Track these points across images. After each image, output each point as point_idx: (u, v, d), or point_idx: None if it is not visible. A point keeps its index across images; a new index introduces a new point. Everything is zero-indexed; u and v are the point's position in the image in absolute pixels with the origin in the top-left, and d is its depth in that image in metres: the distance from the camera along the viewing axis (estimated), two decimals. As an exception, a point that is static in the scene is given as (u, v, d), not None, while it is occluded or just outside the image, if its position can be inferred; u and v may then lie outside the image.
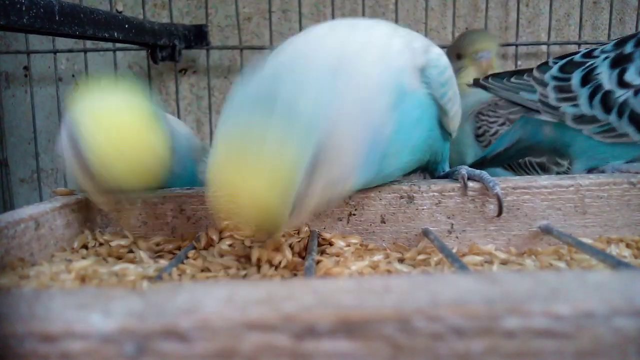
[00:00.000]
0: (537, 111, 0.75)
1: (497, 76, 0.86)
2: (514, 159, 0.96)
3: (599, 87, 0.68)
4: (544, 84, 0.75)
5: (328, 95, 0.42)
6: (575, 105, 0.70)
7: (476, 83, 0.89)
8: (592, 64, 0.70)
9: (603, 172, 0.67)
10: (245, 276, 0.49)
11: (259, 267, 0.51)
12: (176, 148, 0.67)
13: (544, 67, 0.78)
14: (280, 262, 0.50)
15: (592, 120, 0.69)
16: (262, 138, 0.38)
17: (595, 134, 0.69)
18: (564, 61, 0.75)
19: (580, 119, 0.70)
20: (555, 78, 0.74)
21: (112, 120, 0.48)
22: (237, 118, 0.40)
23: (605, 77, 0.68)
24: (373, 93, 0.47)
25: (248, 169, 0.38)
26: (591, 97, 0.68)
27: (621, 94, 0.66)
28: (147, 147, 0.49)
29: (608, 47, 0.71)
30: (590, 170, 0.71)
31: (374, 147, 0.47)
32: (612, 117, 0.67)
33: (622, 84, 0.66)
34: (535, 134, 0.81)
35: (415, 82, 0.53)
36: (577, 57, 0.74)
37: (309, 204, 0.42)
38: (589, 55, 0.73)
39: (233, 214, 0.40)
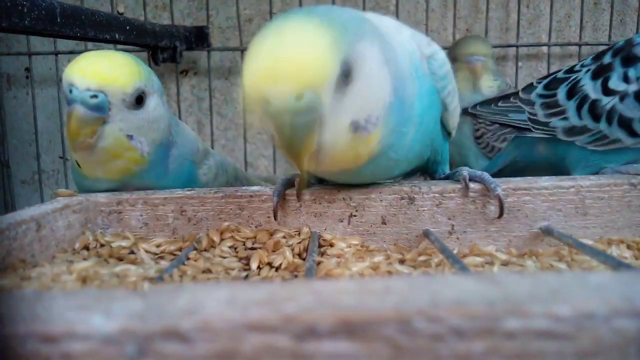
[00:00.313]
0: (529, 129, 0.78)
1: (485, 103, 0.89)
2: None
3: (585, 97, 0.70)
4: (531, 103, 0.78)
5: (366, 26, 0.45)
6: (565, 119, 0.72)
7: (465, 112, 0.90)
8: (575, 78, 0.73)
9: (603, 173, 0.67)
10: (246, 277, 0.49)
11: (259, 268, 0.51)
12: (177, 145, 0.68)
13: (528, 88, 0.81)
14: (281, 264, 0.50)
15: (583, 130, 0.70)
16: (305, 18, 0.41)
17: (587, 143, 0.70)
18: (547, 80, 0.78)
19: (571, 130, 0.71)
20: (541, 96, 0.77)
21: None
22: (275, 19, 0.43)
23: (590, 88, 0.70)
24: (399, 54, 0.49)
25: (295, 25, 0.40)
26: (578, 108, 0.70)
27: (608, 101, 0.67)
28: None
29: (587, 61, 0.74)
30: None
31: (401, 101, 0.48)
32: (602, 125, 0.68)
33: (607, 91, 0.68)
34: (529, 153, 0.83)
35: (425, 68, 0.55)
36: (560, 74, 0.76)
37: (354, 89, 0.42)
38: (571, 71, 0.75)
39: (275, 72, 0.39)
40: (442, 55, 0.57)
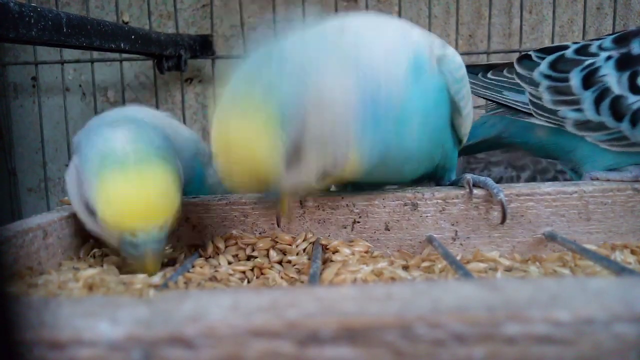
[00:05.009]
0: (527, 113, 0.68)
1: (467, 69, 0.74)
2: (485, 151, 0.88)
3: (606, 91, 0.61)
4: (533, 83, 0.68)
5: (319, 55, 0.46)
6: (578, 110, 0.63)
7: None
8: (592, 64, 0.63)
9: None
10: (250, 283, 0.49)
11: (263, 275, 0.51)
12: (184, 155, 0.68)
13: (526, 61, 0.71)
14: (284, 271, 0.50)
15: (600, 127, 0.62)
16: (251, 91, 0.43)
17: (601, 141, 0.63)
18: (553, 57, 0.68)
19: (584, 125, 0.63)
20: (547, 77, 0.67)
21: (129, 188, 0.46)
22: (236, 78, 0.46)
23: (614, 81, 0.61)
24: (378, 60, 0.49)
25: (239, 124, 0.43)
26: (597, 101, 0.62)
27: (635, 101, 0.60)
28: (164, 203, 0.47)
29: (607, 43, 0.64)
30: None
31: (376, 111, 0.48)
32: (624, 125, 0.60)
33: (635, 89, 0.60)
34: (521, 135, 0.73)
35: (434, 67, 0.55)
36: (569, 54, 0.67)
37: (309, 156, 0.44)
38: (584, 52, 0.66)
39: (236, 173, 0.43)
40: (458, 59, 0.57)
